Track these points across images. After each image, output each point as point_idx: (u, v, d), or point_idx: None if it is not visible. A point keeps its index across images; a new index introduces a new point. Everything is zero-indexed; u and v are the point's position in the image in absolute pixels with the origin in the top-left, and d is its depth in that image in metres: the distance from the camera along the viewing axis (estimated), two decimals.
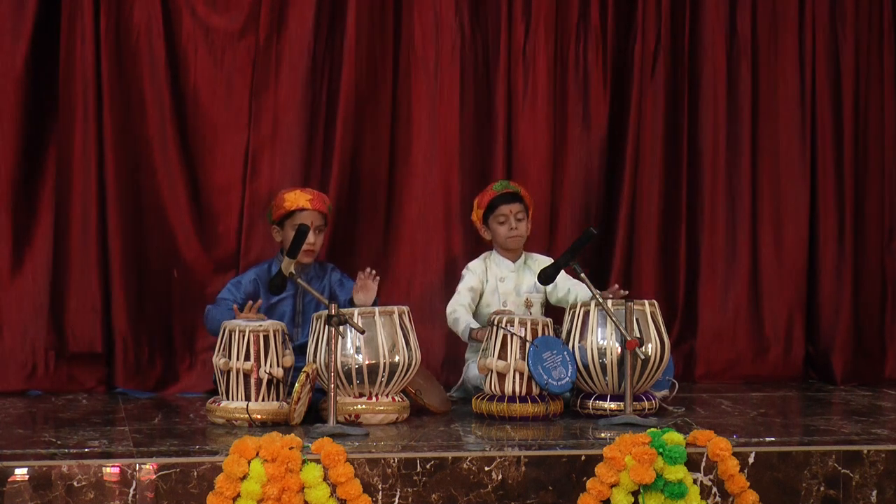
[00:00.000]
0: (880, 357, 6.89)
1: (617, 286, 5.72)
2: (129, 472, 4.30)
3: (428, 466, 4.48)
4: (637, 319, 5.38)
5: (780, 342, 6.83)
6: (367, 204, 6.43)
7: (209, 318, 5.70)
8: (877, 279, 6.93)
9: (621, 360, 5.33)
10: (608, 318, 5.36)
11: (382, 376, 5.20)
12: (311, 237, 5.73)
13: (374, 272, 5.73)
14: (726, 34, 6.79)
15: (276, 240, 5.86)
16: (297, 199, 5.78)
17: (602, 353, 5.39)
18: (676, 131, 6.78)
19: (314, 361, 5.17)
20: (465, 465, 4.50)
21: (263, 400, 5.14)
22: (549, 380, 5.30)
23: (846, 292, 6.83)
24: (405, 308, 5.33)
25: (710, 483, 4.61)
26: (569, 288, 5.91)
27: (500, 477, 4.52)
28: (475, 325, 5.73)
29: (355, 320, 5.11)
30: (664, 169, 6.76)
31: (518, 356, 5.34)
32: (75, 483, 4.26)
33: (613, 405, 5.37)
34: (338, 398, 5.01)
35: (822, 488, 4.68)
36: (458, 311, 5.81)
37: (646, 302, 5.49)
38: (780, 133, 6.85)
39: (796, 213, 6.86)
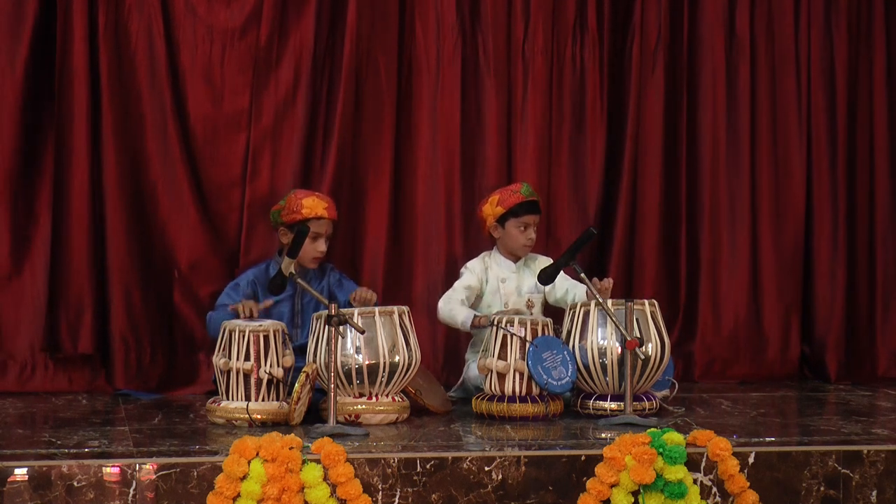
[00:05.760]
0: (873, 356, 6.90)
1: (605, 279, 5.68)
2: (129, 472, 4.29)
3: (428, 466, 4.47)
4: (637, 319, 5.38)
5: (778, 341, 6.84)
6: (366, 204, 6.42)
7: (211, 323, 5.69)
8: (869, 279, 6.94)
9: (621, 360, 5.32)
10: (608, 318, 5.36)
11: (382, 376, 5.19)
12: (320, 245, 5.74)
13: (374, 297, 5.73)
14: (725, 33, 6.80)
15: (283, 241, 5.82)
16: (314, 206, 5.75)
17: (602, 353, 5.39)
18: (675, 130, 6.78)
19: (314, 361, 5.17)
20: (465, 465, 4.50)
21: (263, 400, 5.14)
22: (549, 380, 5.30)
23: (839, 292, 6.84)
24: (405, 308, 5.33)
25: (710, 483, 4.60)
26: (567, 288, 5.90)
27: (500, 477, 4.51)
28: (476, 313, 5.72)
29: (355, 320, 5.11)
30: (663, 168, 6.77)
31: (518, 356, 5.34)
32: (75, 483, 4.26)
33: (613, 405, 5.37)
34: (338, 398, 5.01)
35: (822, 488, 4.68)
36: (454, 305, 5.79)
37: (646, 302, 5.49)
38: (777, 133, 6.85)
39: (794, 212, 6.87)
